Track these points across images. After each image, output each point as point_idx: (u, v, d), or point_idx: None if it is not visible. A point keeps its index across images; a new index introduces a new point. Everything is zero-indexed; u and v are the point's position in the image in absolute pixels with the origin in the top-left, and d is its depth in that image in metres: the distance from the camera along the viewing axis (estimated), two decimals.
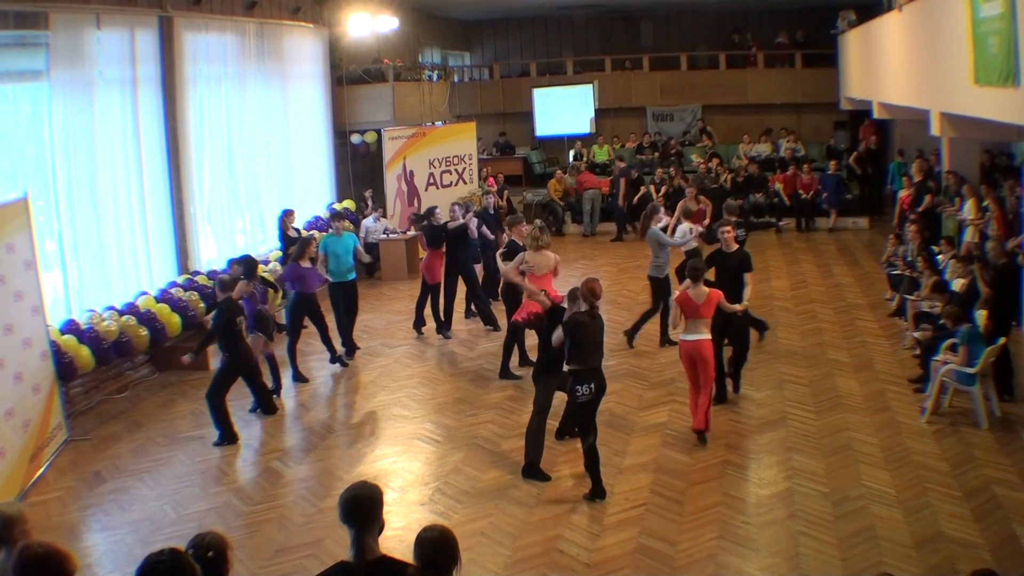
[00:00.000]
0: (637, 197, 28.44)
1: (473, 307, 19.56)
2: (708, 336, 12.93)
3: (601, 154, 33.08)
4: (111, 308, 16.13)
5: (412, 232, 24.21)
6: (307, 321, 16.74)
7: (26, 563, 5.40)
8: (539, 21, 39.01)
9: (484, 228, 19.78)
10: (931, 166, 23.11)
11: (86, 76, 16.05)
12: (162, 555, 5.24)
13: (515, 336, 15.78)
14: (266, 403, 14.83)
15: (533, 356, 14.88)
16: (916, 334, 15.40)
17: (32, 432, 12.71)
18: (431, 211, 19.06)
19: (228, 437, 13.84)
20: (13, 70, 14.90)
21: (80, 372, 14.80)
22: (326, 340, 16.90)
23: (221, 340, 13.79)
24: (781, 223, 27.39)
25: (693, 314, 12.83)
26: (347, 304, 17.48)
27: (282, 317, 19.19)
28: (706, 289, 12.87)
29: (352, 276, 17.39)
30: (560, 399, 12.55)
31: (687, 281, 13.07)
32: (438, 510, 11.36)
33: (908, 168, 24.46)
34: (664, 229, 17.65)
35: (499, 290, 17.59)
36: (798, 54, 33.65)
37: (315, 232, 20.77)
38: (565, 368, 11.75)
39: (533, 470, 12.14)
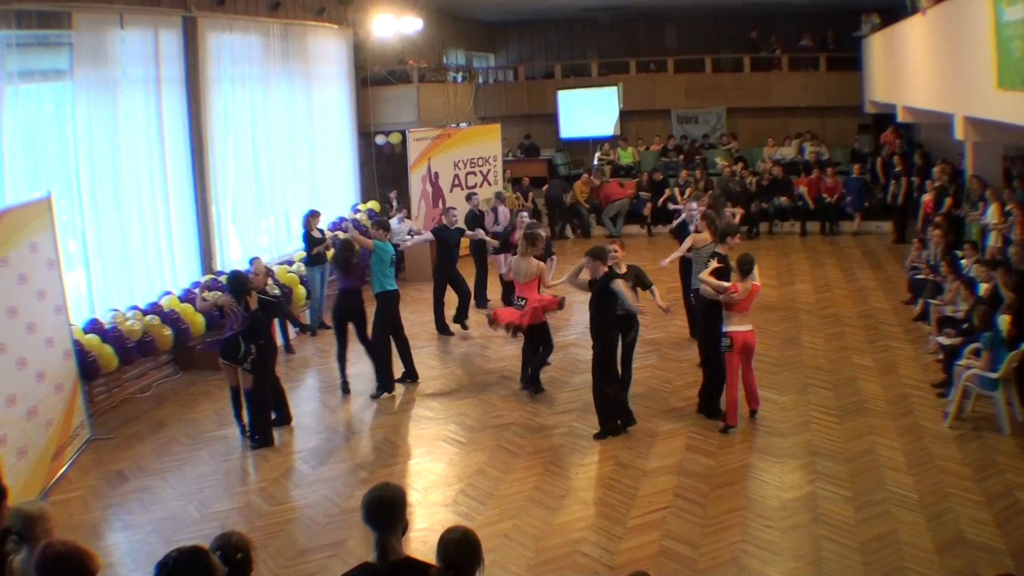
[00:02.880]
0: (662, 200, 28.43)
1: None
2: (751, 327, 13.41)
3: (626, 156, 33.01)
4: (135, 307, 16.16)
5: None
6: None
7: (48, 562, 5.36)
8: (564, 23, 38.92)
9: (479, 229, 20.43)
10: (955, 168, 22.99)
11: (109, 76, 16.08)
12: (179, 551, 5.21)
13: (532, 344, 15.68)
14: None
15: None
16: (940, 338, 15.30)
17: (54, 431, 12.75)
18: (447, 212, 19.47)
19: (266, 438, 13.83)
20: (36, 69, 14.94)
21: (103, 371, 14.83)
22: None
23: (256, 334, 13.73)
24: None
25: (740, 307, 13.13)
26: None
27: (305, 318, 19.26)
28: (750, 284, 13.04)
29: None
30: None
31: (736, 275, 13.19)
32: (461, 511, 11.32)
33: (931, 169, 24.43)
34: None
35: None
36: (822, 57, 33.43)
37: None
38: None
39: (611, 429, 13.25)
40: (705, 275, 13.37)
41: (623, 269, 13.72)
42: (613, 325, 13.30)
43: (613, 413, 13.38)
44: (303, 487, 12.35)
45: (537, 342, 15.25)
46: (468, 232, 19.98)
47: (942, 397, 14.07)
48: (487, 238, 19.66)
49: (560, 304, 14.99)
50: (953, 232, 19.78)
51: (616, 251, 13.70)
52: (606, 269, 13.10)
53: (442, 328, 19.29)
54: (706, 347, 14.09)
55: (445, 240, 19.18)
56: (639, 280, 13.99)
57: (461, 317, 19.36)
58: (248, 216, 20.76)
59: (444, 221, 19.63)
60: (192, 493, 12.22)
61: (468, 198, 21.68)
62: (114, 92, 16.22)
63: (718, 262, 13.62)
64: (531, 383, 15.38)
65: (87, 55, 15.51)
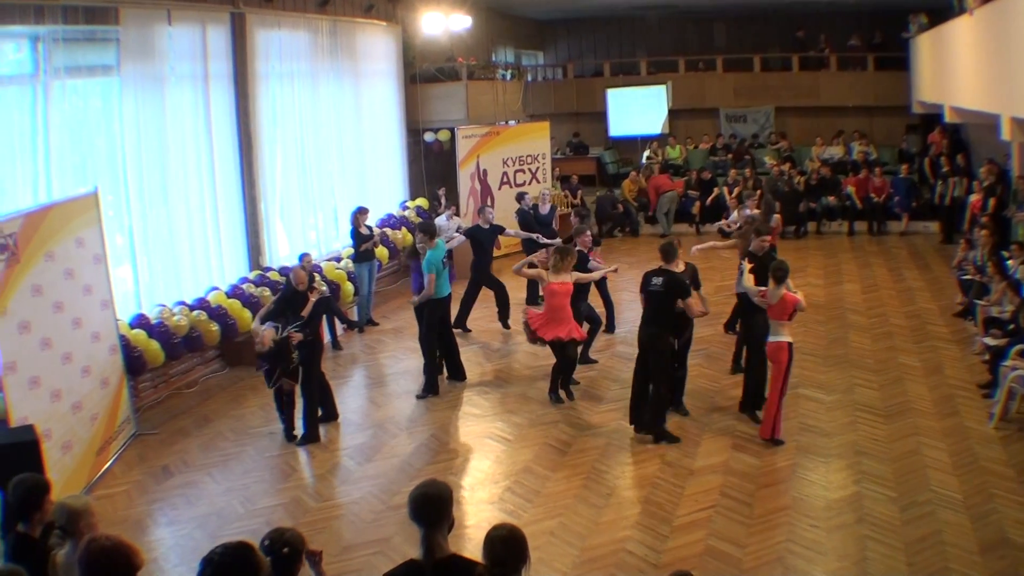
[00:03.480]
0: (711, 198, 28.30)
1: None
2: (786, 339, 12.75)
3: (674, 153, 32.92)
4: (181, 303, 16.17)
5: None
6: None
7: (92, 556, 5.33)
8: (612, 21, 38.81)
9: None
10: (1001, 168, 22.74)
11: (157, 72, 16.09)
12: (224, 547, 5.18)
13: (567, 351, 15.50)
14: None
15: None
16: (986, 339, 15.11)
17: (100, 425, 12.77)
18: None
19: (312, 434, 13.81)
20: (83, 65, 14.96)
21: (149, 367, 14.85)
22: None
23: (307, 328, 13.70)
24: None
25: (774, 314, 12.75)
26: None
27: (353, 314, 19.24)
28: (782, 291, 12.68)
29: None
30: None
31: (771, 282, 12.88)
32: (508, 509, 11.27)
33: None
34: None
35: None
36: (870, 57, 33.15)
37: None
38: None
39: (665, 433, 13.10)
40: (747, 278, 13.28)
41: (681, 267, 13.55)
42: (670, 329, 13.17)
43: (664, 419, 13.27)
44: (349, 483, 12.31)
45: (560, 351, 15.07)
46: (510, 232, 19.92)
47: (987, 398, 13.93)
48: (539, 236, 19.53)
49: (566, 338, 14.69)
50: (1000, 233, 19.59)
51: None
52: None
53: (460, 324, 18.90)
54: (747, 349, 13.95)
55: (479, 240, 19.04)
56: (694, 280, 13.84)
57: (503, 318, 19.28)
58: (296, 212, 20.77)
59: (479, 220, 19.49)
60: (238, 489, 12.21)
61: (519, 198, 21.58)
62: (162, 88, 16.23)
63: (749, 261, 13.53)
64: (555, 390, 15.07)
65: (134, 51, 15.51)
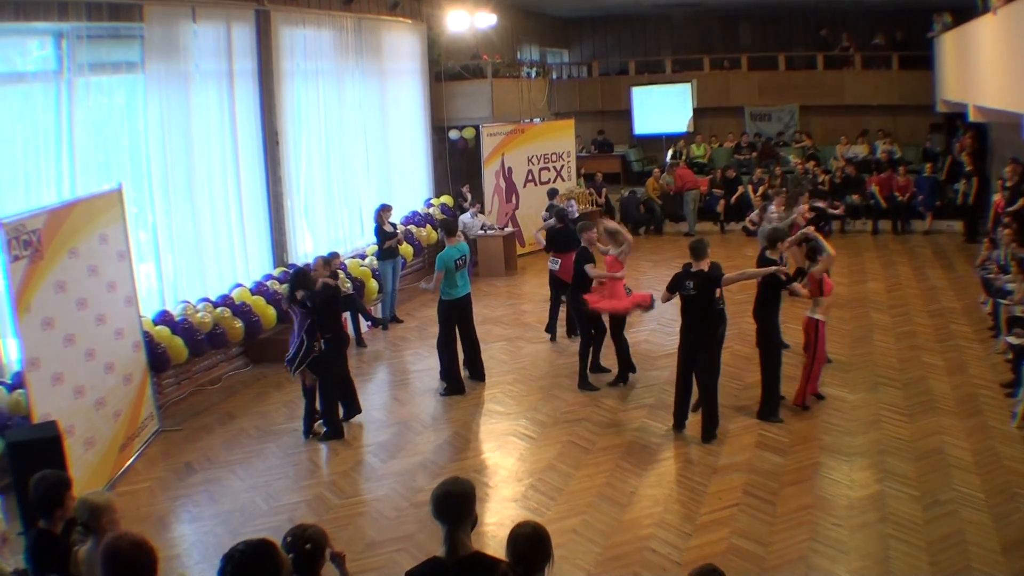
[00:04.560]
0: (735, 197, 28.24)
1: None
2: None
3: (699, 151, 32.90)
4: (205, 300, 16.15)
5: (510, 228, 24.59)
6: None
7: (115, 553, 5.33)
8: (638, 19, 38.70)
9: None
10: None
11: (181, 69, 16.09)
12: (246, 543, 5.15)
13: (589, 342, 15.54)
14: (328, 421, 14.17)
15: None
16: (1009, 338, 15.03)
17: (123, 422, 12.79)
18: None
19: (336, 431, 13.79)
20: (108, 62, 14.94)
21: (173, 363, 14.83)
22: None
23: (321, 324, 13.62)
24: None
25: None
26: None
27: (377, 311, 19.23)
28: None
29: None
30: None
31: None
32: (531, 506, 11.23)
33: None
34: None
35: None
36: (895, 56, 32.99)
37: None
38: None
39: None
40: (799, 287, 13.48)
41: (707, 266, 13.51)
42: (716, 327, 13.23)
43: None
44: (372, 480, 12.31)
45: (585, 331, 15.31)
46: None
47: (1010, 397, 13.87)
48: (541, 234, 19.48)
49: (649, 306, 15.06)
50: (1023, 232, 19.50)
51: None
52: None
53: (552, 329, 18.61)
54: (763, 354, 13.78)
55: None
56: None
57: (551, 328, 18.63)
58: (320, 210, 20.76)
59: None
60: (261, 485, 12.21)
61: (551, 195, 21.44)
62: (186, 85, 16.24)
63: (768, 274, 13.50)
64: (583, 384, 15.29)
65: (159, 48, 15.51)
